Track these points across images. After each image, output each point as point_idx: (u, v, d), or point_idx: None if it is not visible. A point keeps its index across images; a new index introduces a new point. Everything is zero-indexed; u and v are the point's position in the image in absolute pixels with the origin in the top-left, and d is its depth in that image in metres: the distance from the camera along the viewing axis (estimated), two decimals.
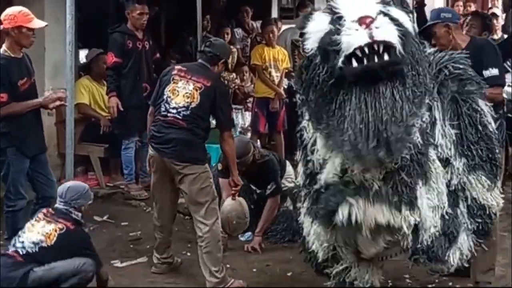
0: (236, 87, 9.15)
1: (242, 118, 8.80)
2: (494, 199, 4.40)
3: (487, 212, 4.36)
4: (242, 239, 6.17)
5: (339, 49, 3.53)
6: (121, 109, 7.09)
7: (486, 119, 4.37)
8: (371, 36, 3.46)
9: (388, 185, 3.82)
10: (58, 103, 5.55)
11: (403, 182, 3.83)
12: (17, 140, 5.44)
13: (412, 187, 3.88)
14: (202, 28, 8.61)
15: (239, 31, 10.19)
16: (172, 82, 5.18)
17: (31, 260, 4.56)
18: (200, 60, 5.39)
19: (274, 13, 9.92)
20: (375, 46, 3.47)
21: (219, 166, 6.09)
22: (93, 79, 7.81)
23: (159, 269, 5.48)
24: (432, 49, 4.47)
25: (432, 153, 4.05)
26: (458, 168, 4.22)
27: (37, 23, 5.52)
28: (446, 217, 4.13)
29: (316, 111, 3.80)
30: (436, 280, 5.24)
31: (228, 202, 5.81)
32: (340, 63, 3.53)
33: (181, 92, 5.12)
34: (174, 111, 5.09)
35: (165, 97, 5.16)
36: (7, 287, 4.49)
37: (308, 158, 4.08)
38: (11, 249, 4.65)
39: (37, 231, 4.65)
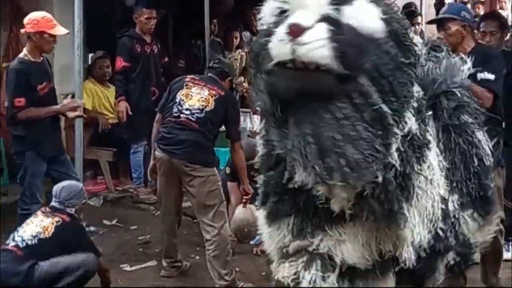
0: (244, 90, 9.15)
1: (251, 122, 8.78)
2: (483, 237, 3.99)
3: (468, 243, 3.85)
4: (251, 242, 6.17)
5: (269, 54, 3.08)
6: (130, 113, 7.12)
7: (482, 151, 3.91)
8: (293, 52, 2.96)
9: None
10: (77, 113, 5.64)
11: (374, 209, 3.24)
12: (33, 144, 5.49)
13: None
14: (210, 32, 8.62)
15: (246, 34, 10.18)
16: (185, 88, 5.22)
17: (30, 253, 4.63)
18: (209, 74, 5.48)
19: None
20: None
21: (227, 170, 6.11)
22: (97, 81, 7.81)
23: (168, 273, 5.49)
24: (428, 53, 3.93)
25: (430, 159, 3.46)
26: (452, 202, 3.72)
27: (60, 30, 5.55)
28: (440, 233, 3.60)
29: (267, 112, 3.26)
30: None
31: (239, 210, 5.83)
32: (270, 67, 3.08)
33: (195, 97, 5.16)
34: (188, 112, 5.11)
35: (177, 100, 5.18)
36: (9, 281, 4.54)
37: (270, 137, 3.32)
38: (10, 244, 4.70)
39: (35, 225, 4.75)
